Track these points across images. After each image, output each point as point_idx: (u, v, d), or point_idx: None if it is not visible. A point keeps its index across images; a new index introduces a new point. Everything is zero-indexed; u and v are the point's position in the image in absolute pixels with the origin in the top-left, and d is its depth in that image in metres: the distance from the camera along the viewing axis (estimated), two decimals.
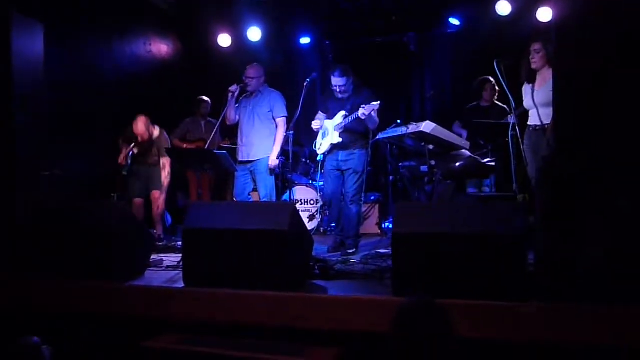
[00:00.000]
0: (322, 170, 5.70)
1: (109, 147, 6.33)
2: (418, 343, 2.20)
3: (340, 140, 5.28)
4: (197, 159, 5.56)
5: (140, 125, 5.98)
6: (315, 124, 5.54)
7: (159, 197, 6.16)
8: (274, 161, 5.58)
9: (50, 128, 5.00)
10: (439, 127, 4.72)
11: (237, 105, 5.70)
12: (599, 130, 3.21)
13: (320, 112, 5.62)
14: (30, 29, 4.57)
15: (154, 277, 4.18)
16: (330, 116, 5.47)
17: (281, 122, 5.63)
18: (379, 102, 4.95)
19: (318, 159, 5.75)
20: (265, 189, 5.58)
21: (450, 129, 5.69)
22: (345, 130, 5.28)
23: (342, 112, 5.31)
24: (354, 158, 5.31)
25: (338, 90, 5.32)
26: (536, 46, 4.79)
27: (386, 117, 5.85)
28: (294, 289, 3.60)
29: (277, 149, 5.61)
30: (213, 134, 5.63)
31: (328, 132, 5.45)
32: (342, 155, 5.35)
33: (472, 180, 6.01)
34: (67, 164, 5.33)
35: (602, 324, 2.99)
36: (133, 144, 6.04)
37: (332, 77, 5.32)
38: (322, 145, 5.53)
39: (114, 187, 6.37)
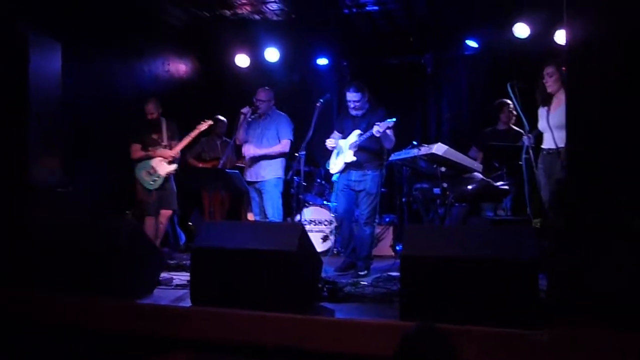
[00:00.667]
0: (334, 189, 5.68)
1: (125, 166, 6.37)
2: None
3: (354, 159, 5.26)
4: (210, 178, 5.61)
5: (151, 105, 6.12)
6: (329, 142, 5.54)
7: (167, 216, 6.22)
8: (255, 151, 5.70)
9: (67, 146, 5.06)
10: (450, 149, 4.68)
11: (247, 126, 5.78)
12: (612, 153, 3.15)
13: (335, 132, 5.62)
14: (48, 48, 4.66)
15: (163, 296, 4.17)
16: (345, 135, 5.46)
17: (284, 143, 5.73)
18: (394, 120, 4.92)
19: (333, 179, 5.74)
20: (273, 209, 5.63)
21: (466, 152, 5.64)
22: (359, 149, 5.26)
23: (357, 131, 5.29)
24: (366, 179, 5.28)
25: (352, 106, 5.32)
26: (549, 70, 4.75)
27: (402, 139, 5.82)
28: (302, 311, 3.56)
29: (267, 151, 5.69)
30: (226, 153, 5.68)
31: (342, 151, 5.43)
32: (355, 175, 5.33)
33: (488, 204, 5.95)
34: (82, 182, 5.38)
35: (619, 351, 2.90)
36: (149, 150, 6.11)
37: (347, 93, 5.33)
38: (335, 165, 5.52)
39: (128, 204, 6.40)
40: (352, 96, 5.30)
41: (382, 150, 5.33)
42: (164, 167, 6.07)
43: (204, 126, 6.24)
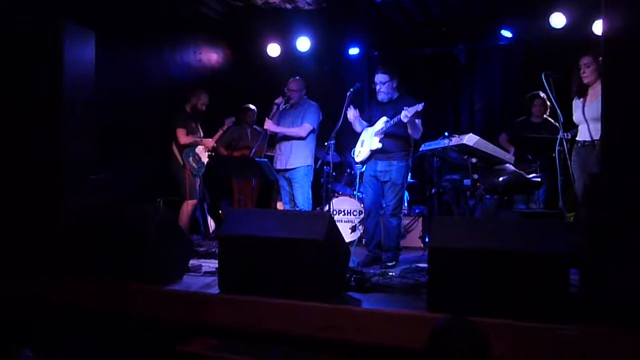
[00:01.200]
0: (362, 181, 5.65)
1: (157, 153, 6.47)
2: None
3: (380, 145, 5.19)
4: (239, 167, 5.66)
5: (206, 96, 6.52)
6: (350, 114, 5.42)
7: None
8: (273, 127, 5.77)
9: (100, 134, 5.13)
10: (482, 140, 4.61)
11: (280, 116, 5.83)
12: None
13: (362, 121, 5.55)
14: (82, 36, 4.70)
15: (192, 282, 4.21)
16: (372, 123, 5.39)
17: (304, 127, 5.71)
18: (422, 104, 4.82)
19: (357, 169, 5.71)
20: (302, 197, 5.65)
21: (497, 140, 5.56)
22: (386, 136, 5.20)
23: (384, 118, 5.23)
24: (392, 170, 5.21)
25: (379, 89, 5.26)
26: (586, 60, 4.64)
27: (435, 130, 5.77)
28: (329, 300, 3.57)
29: (284, 130, 5.76)
30: (259, 141, 5.72)
31: (368, 139, 5.38)
32: (380, 165, 5.26)
33: (521, 197, 5.86)
34: (115, 169, 5.45)
35: None
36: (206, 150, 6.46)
37: (376, 75, 5.28)
38: (360, 153, 5.47)
39: (160, 192, 6.49)
40: (379, 77, 5.24)
41: (409, 139, 5.25)
42: (205, 156, 6.46)
43: (230, 123, 6.64)
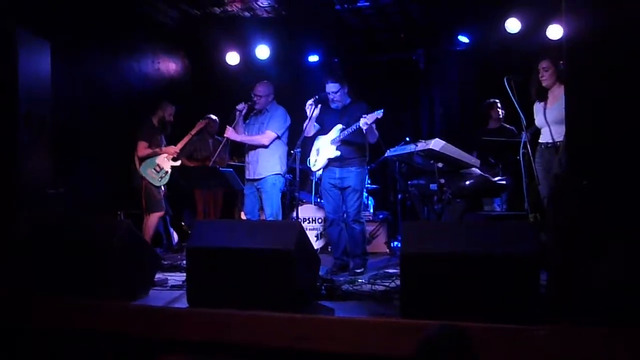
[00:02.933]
0: (320, 189, 5.61)
1: (116, 165, 6.33)
2: None
3: (338, 153, 5.18)
4: (203, 177, 5.55)
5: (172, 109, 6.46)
6: (308, 104, 5.26)
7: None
8: (233, 135, 5.58)
9: (57, 146, 4.99)
10: (448, 144, 4.65)
11: (246, 122, 5.67)
12: (612, 148, 3.13)
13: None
14: (37, 47, 4.58)
15: (159, 297, 4.11)
16: (326, 131, 5.36)
17: (267, 134, 5.50)
18: (382, 111, 4.82)
19: (314, 176, 5.66)
20: (272, 208, 5.47)
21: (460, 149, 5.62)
22: (342, 143, 5.19)
23: (339, 126, 5.22)
24: (351, 176, 5.20)
25: (331, 97, 5.25)
26: (544, 64, 4.74)
27: (395, 136, 5.79)
28: (300, 310, 3.52)
29: (244, 138, 5.58)
30: (218, 151, 5.62)
31: (323, 147, 5.35)
32: (339, 172, 5.25)
33: (489, 199, 5.94)
34: (74, 182, 5.32)
35: (619, 347, 2.88)
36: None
37: (326, 85, 5.26)
38: (317, 161, 5.44)
39: (120, 205, 6.36)
40: (330, 87, 5.22)
41: (365, 145, 5.26)
42: (168, 164, 6.32)
43: (201, 124, 6.51)
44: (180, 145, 6.39)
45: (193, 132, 6.48)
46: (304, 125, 5.22)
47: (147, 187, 6.20)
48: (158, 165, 6.26)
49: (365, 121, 4.83)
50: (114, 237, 3.89)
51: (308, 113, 5.21)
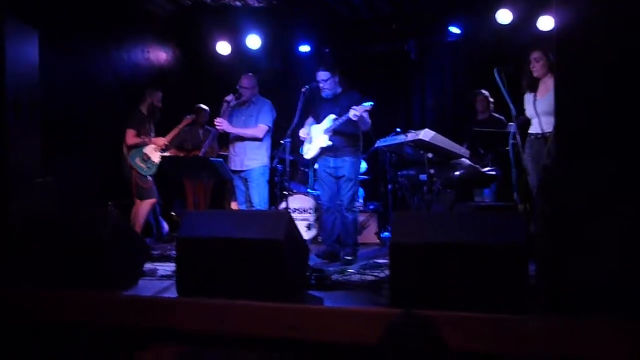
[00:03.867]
0: (316, 178, 5.63)
1: (106, 155, 6.30)
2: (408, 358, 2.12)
3: (330, 143, 5.21)
4: (193, 167, 5.55)
5: (159, 95, 6.41)
6: (302, 132, 5.48)
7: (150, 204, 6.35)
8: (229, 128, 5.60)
9: (46, 135, 4.94)
10: (438, 135, 4.66)
11: (231, 114, 5.68)
12: (601, 138, 3.14)
13: (310, 118, 5.56)
14: (24, 35, 4.52)
15: (148, 287, 4.08)
16: (319, 120, 5.39)
17: (260, 128, 5.60)
18: (371, 103, 4.87)
19: (315, 166, 5.69)
20: (259, 197, 5.56)
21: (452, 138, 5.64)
22: (335, 133, 5.21)
23: (332, 115, 5.23)
24: (345, 165, 5.23)
25: (322, 86, 5.27)
26: (535, 54, 4.75)
27: (386, 125, 5.79)
28: (290, 299, 3.52)
29: (239, 131, 5.60)
30: (208, 141, 5.61)
31: (316, 136, 5.36)
32: (333, 162, 5.28)
33: (479, 190, 5.96)
34: (63, 172, 5.27)
35: (607, 338, 2.90)
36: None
37: (317, 73, 5.28)
38: (309, 150, 5.46)
39: (110, 195, 6.33)
40: (321, 75, 5.24)
41: (358, 134, 5.29)
42: (156, 155, 6.26)
43: (189, 120, 6.52)
44: (168, 137, 6.38)
45: (181, 125, 6.49)
46: (297, 112, 5.26)
47: (136, 175, 6.18)
48: (146, 154, 6.22)
49: (354, 113, 4.86)
50: (103, 228, 3.87)
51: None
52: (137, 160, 6.18)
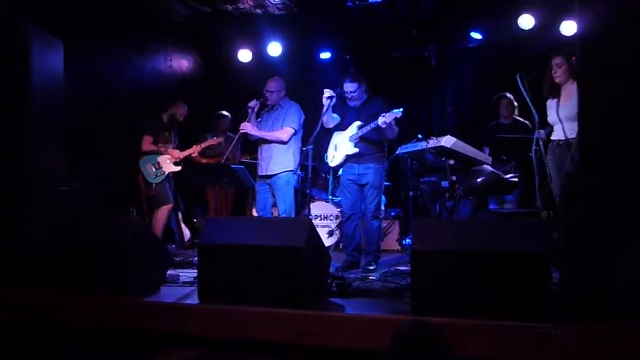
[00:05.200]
0: (338, 184, 5.60)
1: (129, 162, 6.36)
2: None
3: (356, 150, 5.18)
4: (215, 174, 5.56)
5: (185, 108, 6.44)
6: (327, 92, 5.22)
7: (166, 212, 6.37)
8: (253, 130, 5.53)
9: (70, 142, 5.02)
10: (459, 141, 4.62)
11: (258, 119, 5.66)
12: (625, 145, 3.10)
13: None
14: (49, 45, 4.62)
15: (170, 293, 4.12)
16: (344, 127, 5.36)
17: (285, 130, 5.49)
18: (401, 110, 4.83)
19: (339, 173, 5.66)
20: (285, 204, 5.47)
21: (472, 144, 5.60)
22: (361, 140, 5.19)
23: (357, 123, 5.21)
24: (369, 172, 5.21)
25: (349, 97, 5.24)
26: (557, 60, 4.70)
27: (406, 132, 5.77)
28: (310, 306, 3.53)
29: (264, 134, 5.53)
30: (231, 147, 5.62)
31: (342, 143, 5.35)
32: (358, 168, 5.25)
33: (493, 197, 5.90)
34: (86, 179, 5.35)
35: (629, 345, 2.86)
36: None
37: (344, 84, 5.23)
38: (334, 157, 5.43)
39: (132, 202, 6.39)
40: (348, 87, 5.20)
41: (383, 141, 5.27)
42: (169, 166, 6.27)
43: (215, 142, 6.55)
44: (185, 153, 6.36)
45: (203, 145, 6.49)
46: (322, 116, 5.20)
47: (141, 180, 6.22)
48: (158, 163, 6.25)
49: (384, 120, 4.83)
50: (126, 234, 3.92)
51: (324, 104, 5.18)
52: (148, 166, 6.21)
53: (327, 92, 5.17)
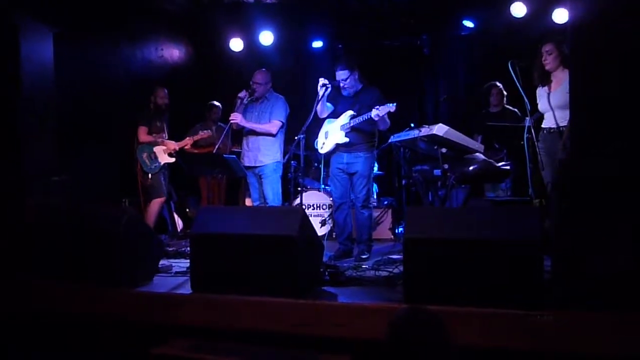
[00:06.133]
0: (328, 174, 5.59)
1: (120, 152, 6.34)
2: (412, 352, 2.11)
3: (347, 140, 5.17)
4: (207, 164, 5.56)
5: (163, 91, 6.37)
6: (322, 80, 5.23)
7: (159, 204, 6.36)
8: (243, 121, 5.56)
9: (61, 133, 4.99)
10: (452, 130, 4.62)
11: (244, 110, 5.67)
12: (617, 133, 3.11)
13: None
14: (39, 35, 4.58)
15: (163, 283, 4.11)
16: (337, 115, 5.34)
17: (273, 124, 5.59)
18: (395, 104, 4.83)
19: (320, 160, 5.68)
20: (273, 194, 5.56)
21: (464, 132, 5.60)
22: (352, 130, 5.17)
23: (350, 112, 5.19)
24: (359, 162, 5.20)
25: (342, 85, 5.21)
26: (547, 47, 4.69)
27: (399, 121, 5.76)
28: (303, 295, 3.53)
29: (253, 126, 5.59)
30: (222, 137, 5.61)
31: (332, 131, 5.33)
32: (347, 157, 5.24)
33: (490, 185, 5.91)
34: (78, 169, 5.31)
35: (621, 333, 2.88)
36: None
37: (336, 72, 5.21)
38: (324, 145, 5.43)
39: (125, 192, 6.37)
40: (340, 74, 5.18)
41: (374, 131, 5.26)
42: (164, 157, 6.29)
43: (205, 135, 6.58)
44: (180, 144, 6.40)
45: (196, 137, 6.54)
46: (315, 106, 5.20)
47: (139, 170, 6.23)
48: (154, 153, 6.25)
49: (377, 113, 4.83)
50: (119, 224, 3.90)
51: (319, 92, 5.17)
52: (144, 156, 6.22)
53: (322, 81, 5.17)
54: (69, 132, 5.35)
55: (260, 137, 5.60)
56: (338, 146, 5.26)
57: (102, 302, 3.77)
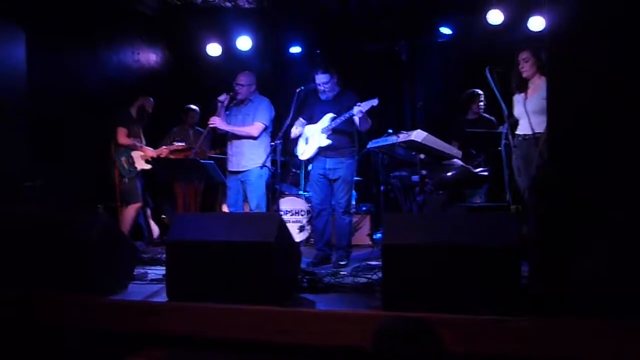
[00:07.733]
0: (308, 179, 5.58)
1: (95, 158, 6.23)
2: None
3: (329, 142, 5.16)
4: (184, 169, 5.48)
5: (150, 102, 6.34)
6: (294, 131, 5.40)
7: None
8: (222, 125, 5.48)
9: (34, 137, 4.89)
10: (430, 136, 4.64)
11: (227, 112, 5.59)
12: (594, 139, 3.13)
13: (300, 119, 5.46)
14: (11, 34, 4.48)
15: (138, 291, 4.04)
16: (315, 120, 5.33)
17: (256, 126, 5.45)
18: (377, 99, 4.84)
19: (309, 168, 5.65)
20: (257, 199, 5.44)
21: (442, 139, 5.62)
22: (333, 132, 5.17)
23: (330, 115, 5.19)
24: (342, 167, 5.19)
25: (322, 89, 5.23)
26: (524, 55, 4.73)
27: (377, 127, 5.77)
28: (281, 303, 3.49)
29: (234, 129, 5.48)
30: (199, 142, 5.55)
31: (313, 136, 5.31)
32: (329, 162, 5.23)
33: (471, 191, 5.93)
34: (51, 175, 5.22)
35: (599, 339, 2.89)
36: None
37: (316, 76, 5.23)
38: (305, 151, 5.40)
39: (100, 198, 6.27)
40: (320, 78, 5.19)
41: (355, 134, 5.27)
42: (141, 163, 6.19)
43: (180, 147, 6.49)
44: (158, 152, 6.31)
45: (172, 148, 6.45)
46: (292, 111, 5.22)
47: (117, 174, 6.14)
48: (132, 157, 6.15)
49: (360, 109, 4.84)
50: (92, 231, 3.83)
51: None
52: (123, 160, 6.12)
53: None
54: (42, 136, 5.25)
55: (245, 141, 5.46)
56: (321, 150, 5.24)
57: (76, 311, 3.68)
